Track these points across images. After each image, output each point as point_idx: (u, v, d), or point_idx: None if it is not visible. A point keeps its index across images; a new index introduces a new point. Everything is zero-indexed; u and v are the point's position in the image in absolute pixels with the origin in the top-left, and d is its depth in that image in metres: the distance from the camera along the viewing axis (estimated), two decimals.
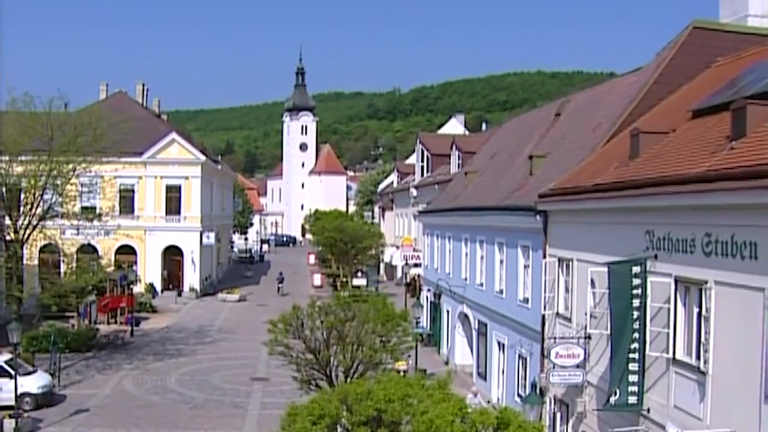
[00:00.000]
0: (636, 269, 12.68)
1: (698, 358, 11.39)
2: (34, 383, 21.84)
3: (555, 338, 16.05)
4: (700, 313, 11.38)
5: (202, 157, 46.58)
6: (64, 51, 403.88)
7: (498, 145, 30.62)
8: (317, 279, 53.65)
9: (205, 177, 47.63)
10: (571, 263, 16.69)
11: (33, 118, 25.54)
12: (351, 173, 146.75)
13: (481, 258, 24.67)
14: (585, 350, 15.44)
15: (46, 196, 25.52)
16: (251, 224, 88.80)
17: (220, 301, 44.93)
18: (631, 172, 14.25)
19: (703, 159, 11.91)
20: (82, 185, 28.51)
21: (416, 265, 42.80)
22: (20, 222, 25.24)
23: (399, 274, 53.53)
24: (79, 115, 27.07)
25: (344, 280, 49.36)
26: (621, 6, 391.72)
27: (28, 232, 25.35)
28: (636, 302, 12.68)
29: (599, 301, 14.82)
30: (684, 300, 12.00)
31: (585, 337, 15.52)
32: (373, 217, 79.20)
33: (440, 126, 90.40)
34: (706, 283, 11.06)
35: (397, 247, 51.20)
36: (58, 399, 22.65)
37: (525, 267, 20.32)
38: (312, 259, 67.26)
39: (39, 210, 25.66)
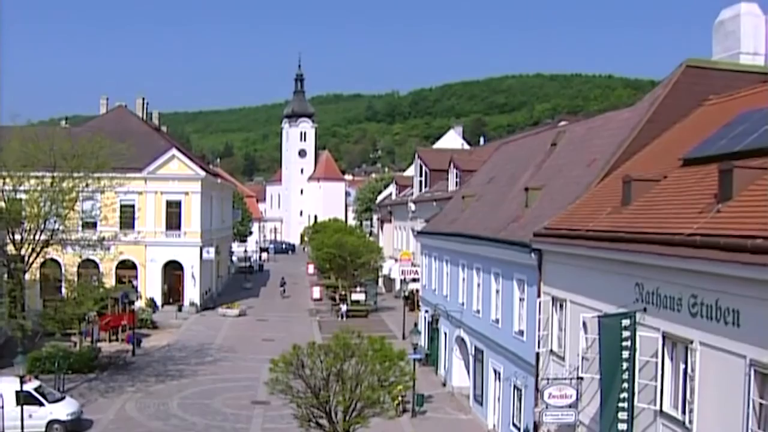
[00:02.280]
0: (626, 322, 13.12)
1: (684, 412, 11.84)
2: (63, 410, 22.28)
3: (548, 379, 16.49)
4: (686, 370, 11.84)
5: (202, 173, 46.99)
6: (64, 52, 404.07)
7: (495, 170, 31.05)
8: (316, 292, 54.07)
9: (205, 192, 48.04)
10: (564, 303, 17.14)
11: (36, 148, 25.98)
12: (350, 177, 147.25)
13: (478, 285, 25.10)
14: (577, 391, 15.88)
15: (48, 224, 25.93)
16: (250, 232, 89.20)
17: (220, 316, 45.32)
18: (623, 222, 14.69)
19: (690, 217, 12.35)
20: (83, 211, 28.97)
21: (414, 280, 43.26)
22: (24, 249, 25.67)
23: (398, 286, 53.98)
24: (82, 144, 27.47)
25: (343, 293, 49.78)
26: (619, 8, 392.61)
27: (31, 258, 25.79)
28: (625, 354, 13.12)
29: (591, 345, 15.25)
30: (671, 355, 12.44)
31: (577, 378, 15.97)
32: (371, 226, 79.65)
33: (439, 135, 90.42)
34: (691, 342, 11.51)
35: (396, 260, 51.65)
36: (85, 425, 23.08)
37: (520, 300, 20.74)
38: (311, 268, 67.69)
39: (42, 236, 26.09)
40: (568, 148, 23.83)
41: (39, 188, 26.20)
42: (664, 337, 12.45)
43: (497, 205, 25.73)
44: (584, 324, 15.69)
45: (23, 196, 26.84)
